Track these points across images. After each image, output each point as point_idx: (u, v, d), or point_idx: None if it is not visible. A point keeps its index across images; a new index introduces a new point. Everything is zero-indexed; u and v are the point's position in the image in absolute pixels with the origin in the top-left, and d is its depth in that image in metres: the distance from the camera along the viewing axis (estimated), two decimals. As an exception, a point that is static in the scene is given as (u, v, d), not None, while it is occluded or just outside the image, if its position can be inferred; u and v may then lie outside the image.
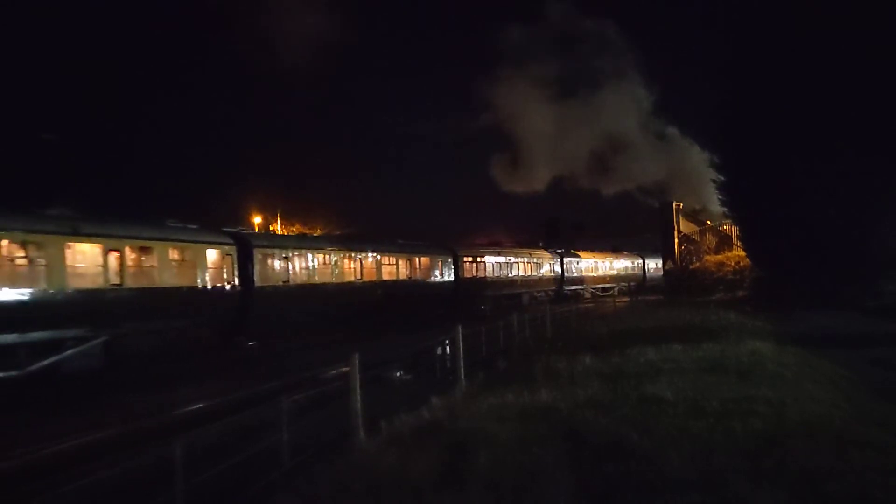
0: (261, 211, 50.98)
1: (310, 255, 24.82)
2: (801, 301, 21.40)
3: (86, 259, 16.40)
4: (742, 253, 35.23)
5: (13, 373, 14.14)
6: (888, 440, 6.43)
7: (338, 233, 43.75)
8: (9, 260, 14.76)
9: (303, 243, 26.13)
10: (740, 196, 26.90)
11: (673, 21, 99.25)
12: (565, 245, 53.31)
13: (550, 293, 45.09)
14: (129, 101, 68.79)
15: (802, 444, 6.14)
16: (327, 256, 25.79)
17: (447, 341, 14.49)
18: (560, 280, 47.07)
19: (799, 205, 21.68)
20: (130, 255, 17.57)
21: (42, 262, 15.15)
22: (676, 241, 43.74)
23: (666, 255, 46.08)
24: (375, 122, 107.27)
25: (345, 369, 8.18)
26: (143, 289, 17.75)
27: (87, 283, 16.25)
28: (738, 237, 35.21)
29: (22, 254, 14.95)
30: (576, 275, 49.31)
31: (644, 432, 6.66)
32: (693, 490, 5.16)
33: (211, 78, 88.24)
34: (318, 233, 48.09)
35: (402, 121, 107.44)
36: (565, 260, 47.99)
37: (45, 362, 14.91)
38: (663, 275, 46.83)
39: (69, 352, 15.48)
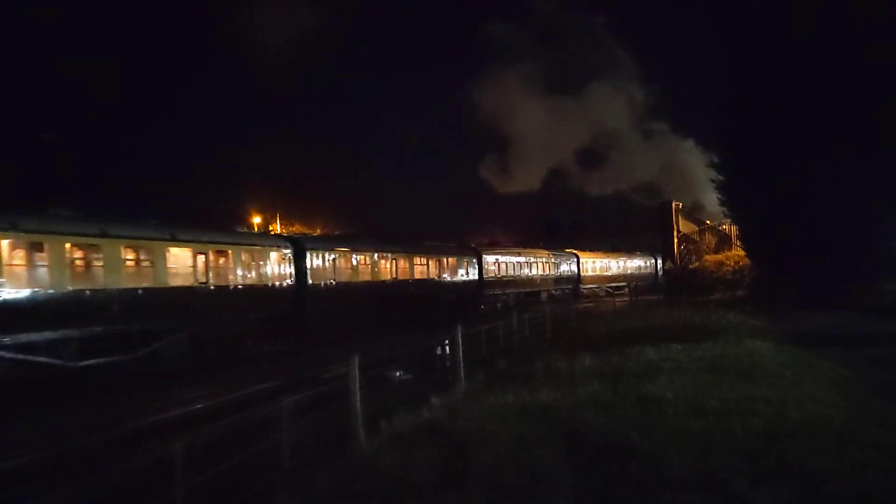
0: (261, 211, 51.05)
1: (352, 256, 27.54)
2: (800, 300, 21.38)
3: (179, 261, 19.11)
4: (741, 252, 35.26)
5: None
6: (888, 440, 6.43)
7: (357, 234, 44.84)
8: (125, 261, 17.46)
9: (346, 245, 28.34)
10: (740, 195, 26.90)
11: (672, 20, 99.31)
12: (564, 245, 53.80)
13: (567, 291, 47.67)
14: (129, 101, 68.83)
15: (802, 444, 6.14)
16: (366, 257, 28.31)
17: (447, 341, 14.55)
18: (577, 279, 49.42)
19: (799, 204, 21.68)
20: (212, 258, 20.19)
21: (147, 263, 18.01)
22: (676, 240, 43.78)
23: (665, 254, 46.13)
24: (373, 122, 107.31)
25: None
26: (222, 286, 20.43)
27: (180, 282, 19.01)
28: (738, 237, 35.22)
29: (132, 256, 17.75)
30: (592, 274, 51.51)
31: (644, 432, 6.66)
32: (693, 490, 5.15)
33: (210, 78, 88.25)
34: (317, 233, 48.12)
35: (399, 121, 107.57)
36: (582, 259, 50.30)
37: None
38: (663, 274, 46.96)
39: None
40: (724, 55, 26.24)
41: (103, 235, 16.81)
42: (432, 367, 14.79)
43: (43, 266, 15.22)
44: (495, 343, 16.20)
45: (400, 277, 29.97)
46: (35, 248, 15.08)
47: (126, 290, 17.06)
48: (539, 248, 49.24)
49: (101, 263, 16.67)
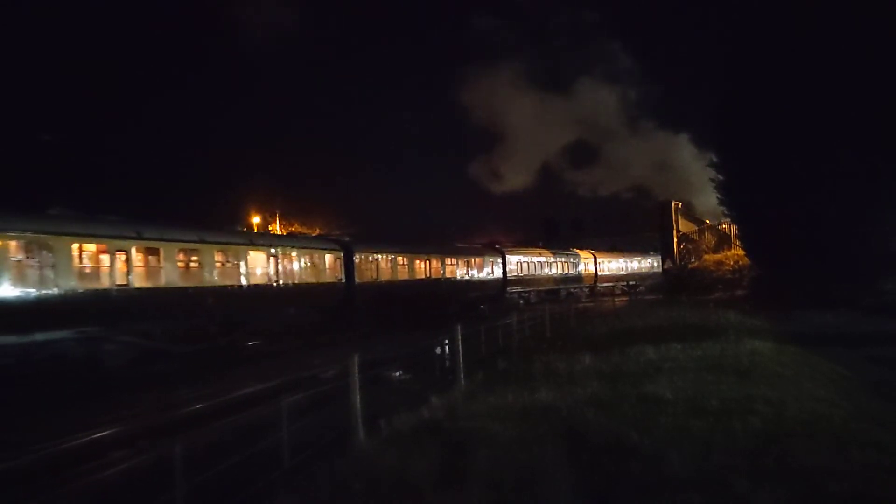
0: (259, 211, 51.02)
1: (392, 258, 30.30)
2: (800, 300, 21.38)
3: (256, 263, 22.09)
4: (741, 252, 35.29)
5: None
6: (888, 439, 6.43)
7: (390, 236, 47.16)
8: (216, 263, 20.37)
9: (387, 247, 30.71)
10: (739, 195, 26.90)
11: (672, 20, 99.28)
12: (564, 244, 54.41)
13: (585, 289, 50.69)
14: (128, 101, 68.80)
15: (802, 443, 6.13)
16: (404, 258, 31.13)
17: (446, 341, 14.54)
18: (594, 277, 52.53)
19: (798, 204, 21.68)
20: (281, 260, 23.16)
21: (231, 264, 21.01)
22: (675, 240, 43.80)
23: (665, 254, 46.17)
24: (370, 121, 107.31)
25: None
26: (291, 284, 23.49)
27: (259, 280, 22.08)
28: (737, 236, 35.23)
29: (221, 259, 20.72)
30: (607, 273, 54.47)
31: (644, 431, 6.65)
32: (693, 489, 5.15)
33: (209, 77, 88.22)
34: (316, 233, 48.19)
35: (396, 120, 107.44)
36: (599, 259, 53.51)
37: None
38: (662, 273, 47.07)
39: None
40: (724, 54, 26.29)
41: (201, 241, 20.00)
42: (439, 366, 14.85)
43: (160, 267, 18.43)
44: (495, 343, 16.20)
45: (433, 276, 33.01)
46: (153, 252, 18.39)
47: (217, 287, 20.20)
48: (539, 247, 49.70)
49: (198, 265, 19.74)
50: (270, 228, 50.08)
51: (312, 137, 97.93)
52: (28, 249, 15.06)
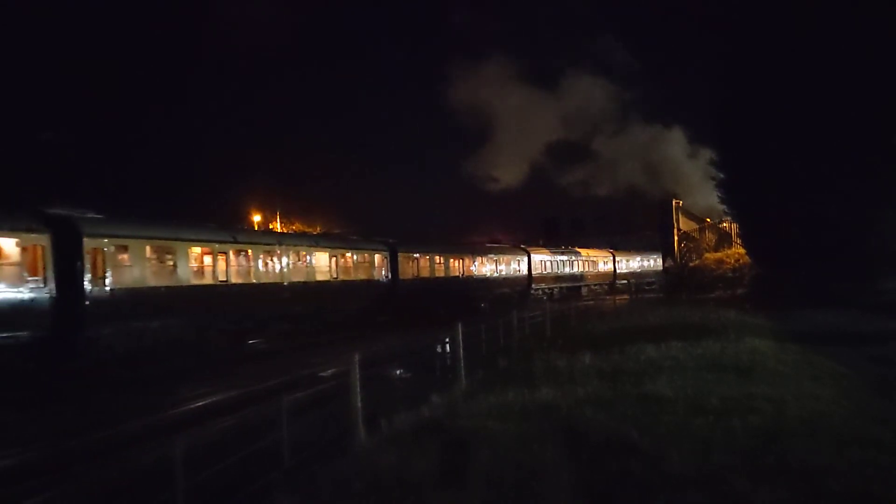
0: (260, 210, 51.06)
1: (431, 257, 33.45)
2: (800, 298, 21.37)
3: (321, 262, 25.36)
4: (741, 250, 35.29)
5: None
6: (888, 437, 6.43)
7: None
8: (292, 263, 23.55)
9: (427, 249, 33.94)
10: (740, 193, 26.89)
11: (672, 17, 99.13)
12: (564, 243, 54.75)
13: (605, 286, 53.06)
14: (128, 100, 68.77)
15: (802, 442, 6.14)
16: (441, 258, 34.43)
17: (447, 339, 14.56)
18: (613, 275, 55.36)
19: (799, 203, 21.66)
20: (341, 259, 26.70)
21: (303, 263, 24.47)
22: (676, 238, 43.78)
23: (665, 252, 46.14)
24: (368, 120, 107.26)
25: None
26: (343, 281, 26.63)
27: (319, 277, 25.05)
28: (738, 235, 35.21)
29: (295, 259, 23.90)
30: (626, 270, 57.07)
31: (644, 430, 6.65)
32: (693, 488, 5.15)
33: (209, 76, 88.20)
34: (317, 231, 48.27)
35: (394, 120, 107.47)
36: (617, 258, 56.58)
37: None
38: (663, 272, 47.12)
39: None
40: (723, 53, 26.22)
41: (280, 244, 23.64)
42: (441, 365, 14.90)
43: (249, 266, 21.77)
44: (496, 342, 16.20)
45: (466, 274, 36.50)
46: (244, 253, 21.73)
47: (294, 283, 23.40)
48: (540, 246, 50.11)
49: (275, 264, 22.80)
50: (271, 227, 50.15)
51: (312, 137, 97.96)
52: (160, 252, 18.80)
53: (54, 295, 15.34)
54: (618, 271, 55.78)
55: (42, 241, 15.39)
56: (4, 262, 14.91)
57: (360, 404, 7.75)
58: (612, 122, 64.99)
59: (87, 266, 16.14)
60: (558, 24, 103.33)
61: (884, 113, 19.51)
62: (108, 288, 16.61)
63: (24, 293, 14.84)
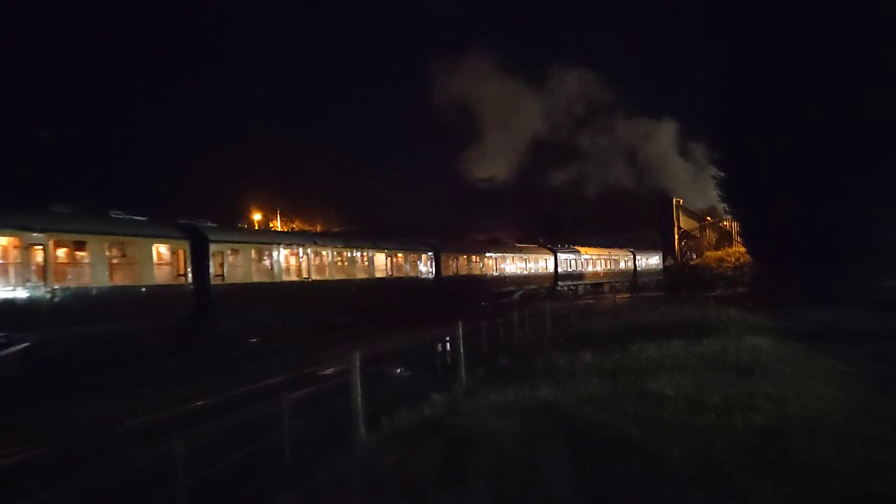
0: (260, 208, 51.10)
1: (469, 256, 37.59)
2: (801, 296, 21.37)
3: (379, 261, 29.25)
4: (742, 249, 35.19)
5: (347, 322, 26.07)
6: (890, 435, 6.42)
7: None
8: (356, 261, 27.68)
9: (465, 249, 38.33)
10: (740, 192, 26.87)
11: (671, 15, 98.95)
12: (564, 241, 55.16)
13: (626, 283, 56.27)
14: (127, 98, 68.74)
15: (804, 440, 6.13)
16: (478, 257, 38.55)
17: (447, 338, 14.60)
18: (634, 272, 58.89)
19: (799, 200, 21.65)
20: (395, 259, 30.67)
21: (365, 262, 28.27)
22: (676, 237, 43.70)
23: (666, 251, 46.06)
24: (368, 120, 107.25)
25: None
26: (398, 277, 30.54)
27: (378, 274, 28.93)
28: (739, 233, 35.17)
29: (360, 258, 27.98)
30: (645, 268, 60.26)
31: (645, 428, 6.65)
32: (694, 485, 5.15)
33: (208, 75, 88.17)
34: (318, 229, 48.31)
35: (392, 120, 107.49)
36: (637, 256, 59.92)
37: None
38: (663, 270, 47.11)
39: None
40: (723, 50, 26.18)
41: (346, 246, 27.52)
42: (443, 363, 14.99)
43: (323, 265, 25.49)
44: (496, 340, 16.23)
45: (499, 272, 40.52)
46: (319, 254, 25.35)
47: (355, 279, 27.24)
48: (540, 245, 50.45)
49: (344, 263, 26.96)
50: (271, 225, 50.20)
51: (313, 137, 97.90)
52: (260, 254, 22.74)
53: (192, 287, 19.51)
54: (638, 269, 58.92)
55: (183, 246, 19.47)
56: (161, 262, 18.83)
57: (360, 402, 7.76)
58: (607, 120, 64.83)
59: (212, 265, 20.20)
60: (560, 23, 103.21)
61: (885, 109, 19.48)
62: (225, 283, 20.77)
63: (174, 286, 19.14)
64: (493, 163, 63.49)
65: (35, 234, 15.02)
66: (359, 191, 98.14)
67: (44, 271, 15.13)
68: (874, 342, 13.62)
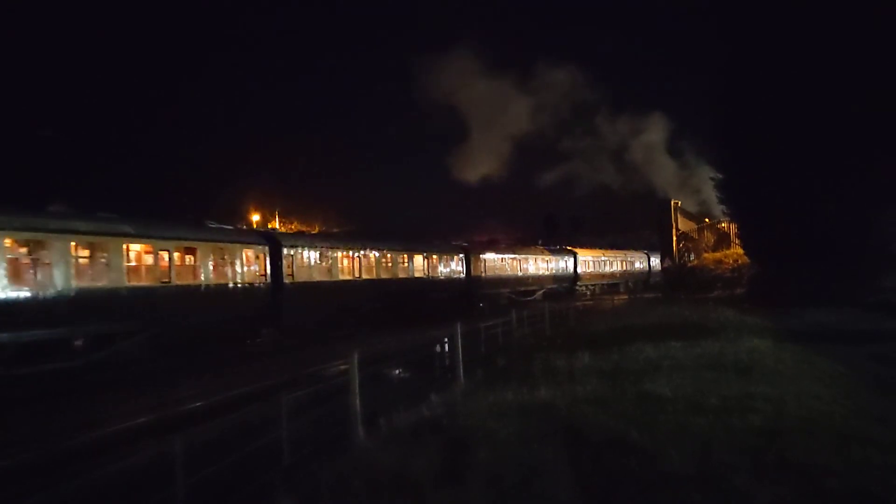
0: (259, 208, 51.08)
1: (496, 257, 41.43)
2: (799, 297, 21.34)
3: (416, 263, 32.96)
4: (740, 250, 35.20)
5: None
6: (888, 436, 6.42)
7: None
8: (398, 263, 31.17)
9: (492, 250, 42.19)
10: (738, 193, 26.86)
11: (670, 16, 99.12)
12: (564, 241, 55.72)
13: (640, 282, 59.05)
14: (127, 99, 68.74)
15: (802, 441, 6.12)
16: (502, 258, 42.42)
17: (446, 339, 14.59)
18: (648, 272, 62.12)
19: (798, 201, 21.64)
20: (431, 261, 34.32)
21: (406, 264, 31.94)
22: (675, 238, 43.74)
23: (664, 252, 46.11)
24: (366, 120, 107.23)
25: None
26: (437, 278, 34.70)
27: (417, 274, 32.66)
28: (737, 234, 35.18)
29: (402, 260, 31.58)
30: (659, 269, 59.89)
31: (643, 429, 6.64)
32: (693, 486, 5.14)
33: (208, 75, 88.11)
34: (316, 230, 48.32)
35: (390, 119, 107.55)
36: (652, 257, 61.98)
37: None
38: (662, 272, 47.23)
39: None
40: (722, 52, 26.16)
41: (389, 249, 30.70)
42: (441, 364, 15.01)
43: (371, 266, 29.10)
44: (494, 341, 16.23)
45: (523, 271, 44.34)
46: (366, 256, 28.95)
47: (397, 279, 30.67)
48: (539, 245, 51.27)
49: (388, 264, 30.35)
50: (270, 226, 50.19)
51: (312, 137, 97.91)
52: (322, 256, 26.29)
53: (270, 285, 23.13)
54: (652, 269, 61.38)
55: (264, 251, 23.21)
56: (250, 263, 22.41)
57: (357, 402, 7.76)
58: (607, 119, 64.96)
59: (284, 266, 23.62)
60: (558, 24, 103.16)
61: (883, 108, 19.48)
62: (294, 281, 24.25)
63: (258, 284, 22.80)
64: (494, 162, 63.62)
65: (162, 242, 18.80)
66: (359, 191, 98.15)
67: (168, 272, 18.85)
68: (873, 343, 13.59)
